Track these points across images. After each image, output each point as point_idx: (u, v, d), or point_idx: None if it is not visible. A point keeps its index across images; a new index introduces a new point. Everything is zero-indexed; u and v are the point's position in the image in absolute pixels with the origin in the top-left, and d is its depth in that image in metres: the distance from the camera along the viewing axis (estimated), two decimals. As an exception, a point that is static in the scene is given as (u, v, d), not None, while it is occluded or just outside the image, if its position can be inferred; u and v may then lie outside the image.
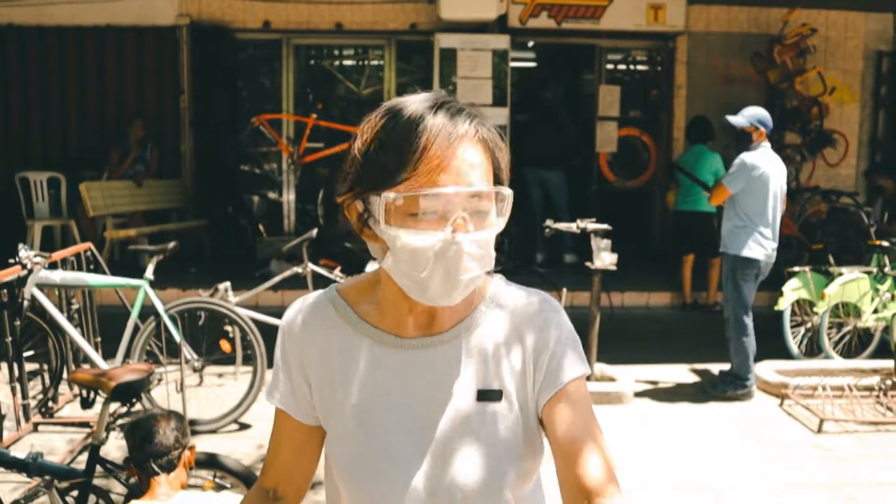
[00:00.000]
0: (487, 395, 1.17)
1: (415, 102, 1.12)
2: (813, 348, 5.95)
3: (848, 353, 5.96)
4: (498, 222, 1.12)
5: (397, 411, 1.17)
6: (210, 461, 2.93)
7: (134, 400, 3.09)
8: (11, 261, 4.18)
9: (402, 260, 1.09)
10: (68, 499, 2.72)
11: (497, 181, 1.14)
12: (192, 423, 4.34)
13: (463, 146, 1.09)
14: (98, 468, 2.76)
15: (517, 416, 1.18)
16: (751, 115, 5.24)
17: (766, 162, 5.13)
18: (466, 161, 1.08)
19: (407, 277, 1.10)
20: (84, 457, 2.82)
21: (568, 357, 1.19)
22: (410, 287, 1.11)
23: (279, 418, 1.27)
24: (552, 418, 1.16)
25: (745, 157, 5.15)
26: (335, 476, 1.22)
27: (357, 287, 1.26)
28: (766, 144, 5.20)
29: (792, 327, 5.90)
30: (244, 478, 2.90)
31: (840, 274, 5.81)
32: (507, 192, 1.13)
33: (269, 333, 4.17)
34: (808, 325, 5.98)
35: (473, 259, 1.08)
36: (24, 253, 4.19)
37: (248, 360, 4.77)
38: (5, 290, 4.16)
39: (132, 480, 2.61)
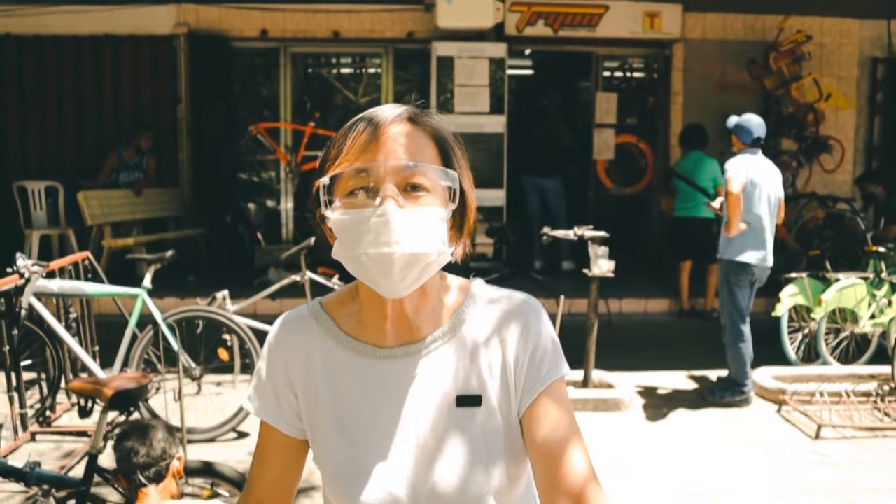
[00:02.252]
0: (467, 401, 1.17)
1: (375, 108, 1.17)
2: (810, 354, 5.96)
3: (845, 358, 5.96)
4: (444, 207, 1.12)
5: (379, 421, 1.18)
6: (207, 469, 2.93)
7: (132, 409, 3.09)
8: (9, 270, 4.16)
9: (343, 241, 1.11)
10: (66, 508, 2.72)
11: (449, 168, 1.14)
12: (190, 431, 4.33)
13: (396, 127, 1.12)
14: (96, 477, 2.76)
15: (499, 421, 1.17)
16: (736, 120, 5.28)
17: (751, 168, 5.11)
18: (396, 139, 1.11)
19: (349, 260, 1.11)
20: (82, 466, 2.82)
21: (549, 358, 1.19)
22: (356, 270, 1.12)
23: (266, 433, 1.27)
24: (534, 420, 1.16)
25: (728, 165, 5.16)
26: (324, 487, 1.24)
27: (339, 298, 1.27)
28: (755, 151, 5.19)
29: (789, 333, 5.90)
30: (241, 486, 2.90)
31: (837, 280, 5.81)
32: (452, 174, 1.13)
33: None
34: (806, 330, 5.98)
35: (405, 233, 1.06)
36: (21, 262, 4.16)
37: (246, 368, 4.77)
38: (3, 300, 4.15)
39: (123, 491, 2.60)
